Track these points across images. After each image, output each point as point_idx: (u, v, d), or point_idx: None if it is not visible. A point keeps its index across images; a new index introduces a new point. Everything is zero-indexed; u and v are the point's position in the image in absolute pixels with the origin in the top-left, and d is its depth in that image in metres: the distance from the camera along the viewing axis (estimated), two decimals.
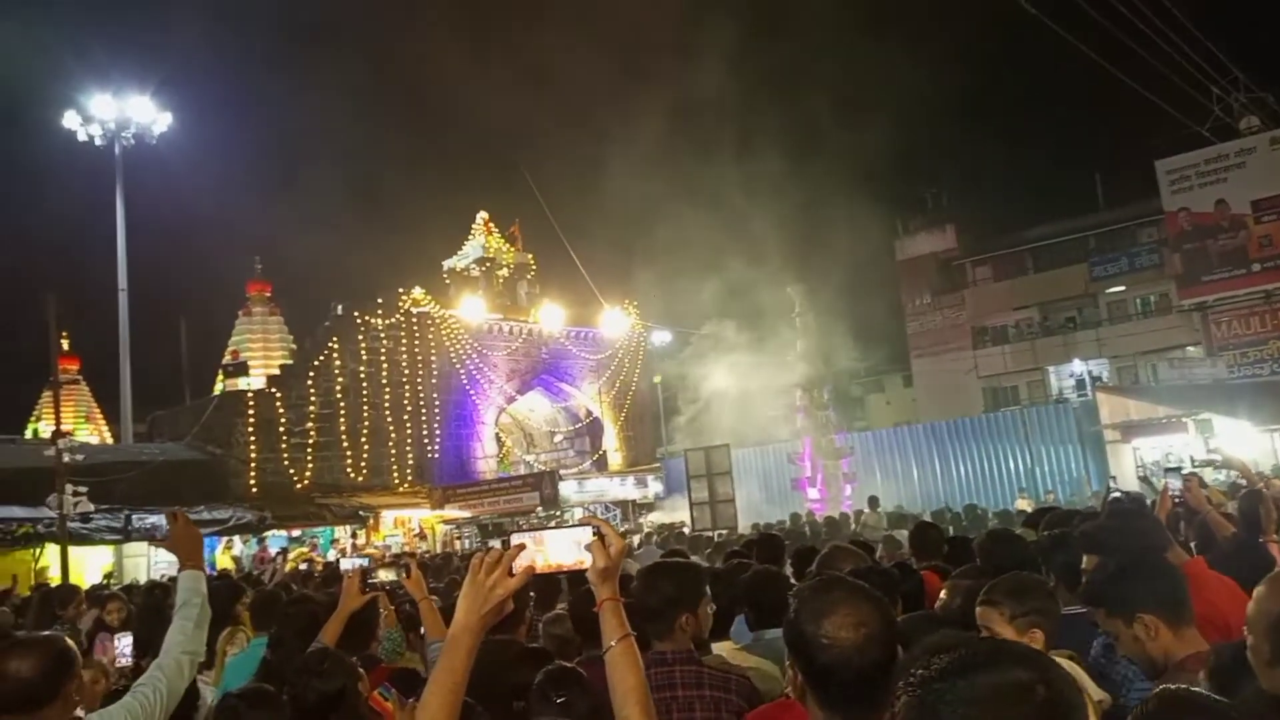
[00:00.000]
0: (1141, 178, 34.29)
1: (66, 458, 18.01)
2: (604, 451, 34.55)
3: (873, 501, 18.32)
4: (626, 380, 35.63)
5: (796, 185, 41.58)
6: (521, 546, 1.78)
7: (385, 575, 3.80)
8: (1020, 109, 68.53)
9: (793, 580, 4.53)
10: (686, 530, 18.41)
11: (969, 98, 66.71)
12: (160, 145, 29.65)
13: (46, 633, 3.44)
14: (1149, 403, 23.39)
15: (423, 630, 3.84)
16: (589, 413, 34.86)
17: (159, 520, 19.16)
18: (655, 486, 30.71)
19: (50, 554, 18.37)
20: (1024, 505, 17.85)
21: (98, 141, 28.49)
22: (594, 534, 1.85)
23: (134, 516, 19.35)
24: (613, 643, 1.88)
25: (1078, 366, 33.80)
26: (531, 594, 4.69)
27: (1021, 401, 33.50)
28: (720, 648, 3.54)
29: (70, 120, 28.21)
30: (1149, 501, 6.28)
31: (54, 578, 16.46)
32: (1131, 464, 22.18)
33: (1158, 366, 32.45)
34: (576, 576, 4.41)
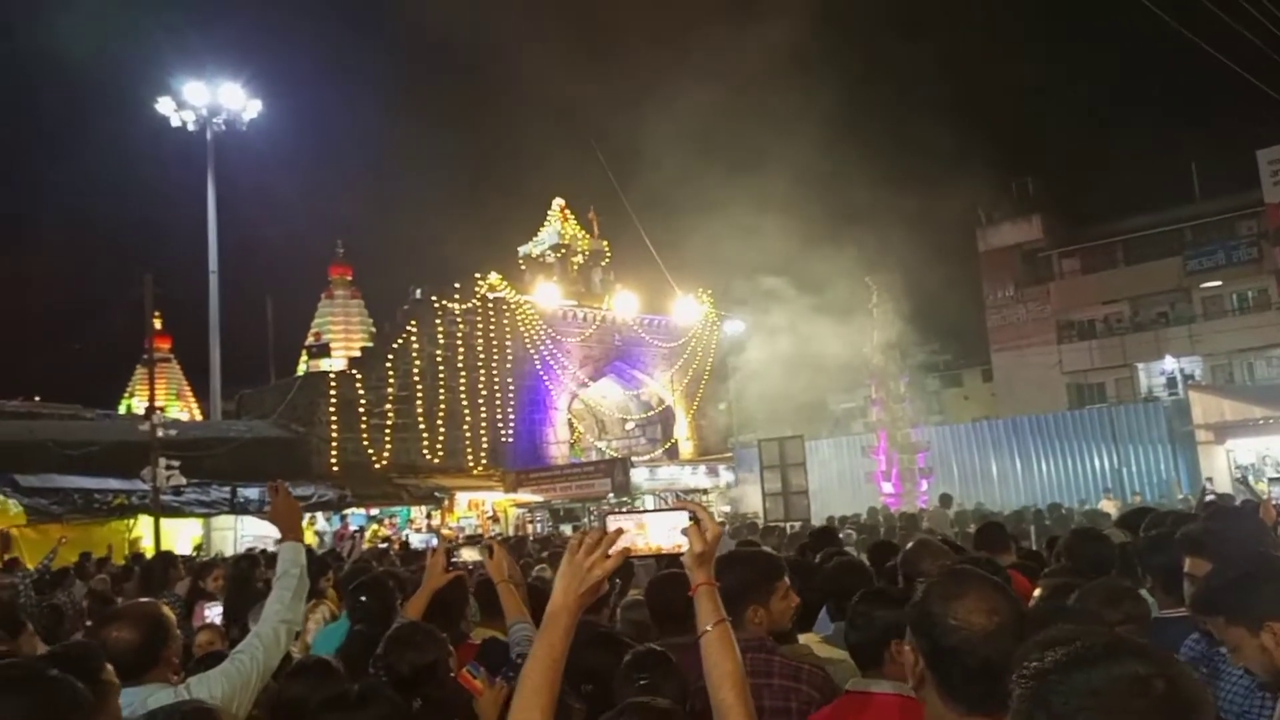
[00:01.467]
0: (1241, 167, 32.91)
1: (160, 433, 18.75)
2: (675, 440, 34.58)
3: (945, 500, 18.02)
4: (699, 368, 35.56)
5: (876, 173, 40.91)
6: (620, 531, 1.78)
7: (468, 555, 3.84)
8: (1113, 94, 66.13)
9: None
10: (759, 521, 18.31)
11: (1059, 82, 64.63)
12: (249, 131, 30.56)
13: (145, 599, 3.56)
14: (1245, 402, 22.51)
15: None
16: (661, 400, 34.91)
17: (252, 494, 19.90)
18: (727, 475, 30.64)
19: (143, 525, 19.15)
20: (1109, 507, 17.33)
21: (190, 127, 29.45)
22: (690, 519, 1.84)
23: (238, 490, 20.16)
24: (709, 627, 1.87)
25: (1169, 364, 32.61)
26: (617, 580, 4.70)
27: (1109, 399, 32.47)
28: (806, 639, 3.52)
29: (164, 106, 29.20)
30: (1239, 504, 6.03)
31: (146, 548, 17.15)
32: (1225, 466, 21.37)
33: (1254, 365, 31.14)
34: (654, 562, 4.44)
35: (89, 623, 6.57)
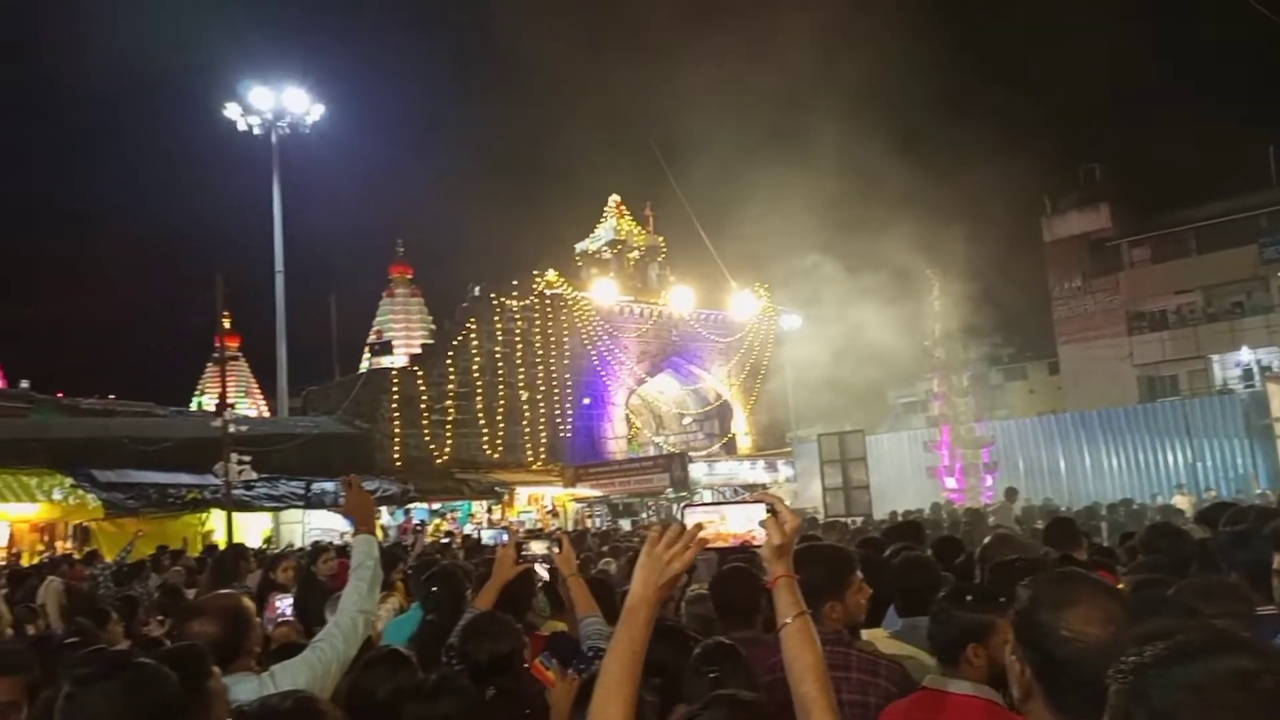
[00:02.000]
0: None
1: (231, 429, 19.21)
2: (733, 435, 34.47)
3: (1010, 494, 17.69)
4: (757, 363, 35.38)
5: (937, 162, 40.24)
6: (700, 526, 1.78)
7: (537, 548, 3.86)
8: (1184, 76, 63.90)
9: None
10: (819, 517, 18.18)
11: (1125, 63, 62.58)
12: (312, 134, 31.14)
13: (223, 591, 3.63)
14: None
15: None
16: (718, 395, 34.82)
17: (328, 487, 20.36)
18: (785, 470, 30.45)
19: (215, 519, 19.66)
20: (1182, 503, 16.87)
21: (256, 131, 30.11)
22: (768, 511, 1.83)
23: (312, 484, 20.65)
24: (789, 619, 1.84)
25: (1245, 355, 31.53)
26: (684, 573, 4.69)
27: (1182, 392, 31.51)
28: (872, 635, 3.47)
29: (231, 111, 29.90)
30: None
31: (219, 541, 17.60)
32: None
33: None
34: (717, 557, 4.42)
35: (159, 616, 6.76)
